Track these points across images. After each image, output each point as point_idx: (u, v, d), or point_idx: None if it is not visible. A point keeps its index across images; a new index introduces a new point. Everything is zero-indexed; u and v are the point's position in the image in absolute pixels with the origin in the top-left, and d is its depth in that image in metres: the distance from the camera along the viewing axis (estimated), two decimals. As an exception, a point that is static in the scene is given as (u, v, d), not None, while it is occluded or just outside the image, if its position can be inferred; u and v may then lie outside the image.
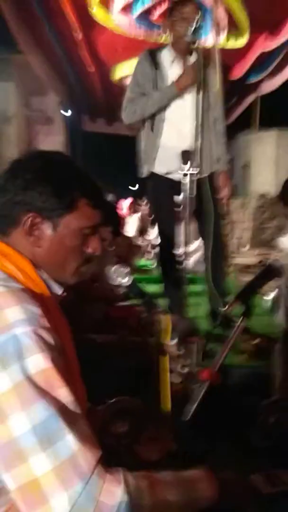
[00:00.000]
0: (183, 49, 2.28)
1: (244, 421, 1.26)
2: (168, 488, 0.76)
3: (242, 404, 1.33)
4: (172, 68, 2.33)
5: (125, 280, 1.45)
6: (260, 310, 2.81)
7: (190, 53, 2.31)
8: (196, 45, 2.19)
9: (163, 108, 2.28)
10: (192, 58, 2.30)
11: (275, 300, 1.52)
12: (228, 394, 1.37)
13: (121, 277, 1.47)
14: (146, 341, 1.67)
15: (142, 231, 5.53)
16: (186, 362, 1.25)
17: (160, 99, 2.26)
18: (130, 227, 5.78)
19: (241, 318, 1.16)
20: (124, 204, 6.40)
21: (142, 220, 5.54)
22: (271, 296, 2.25)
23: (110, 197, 7.90)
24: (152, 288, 3.32)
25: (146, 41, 5.15)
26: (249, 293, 1.17)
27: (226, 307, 1.16)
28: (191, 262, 4.32)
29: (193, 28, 2.06)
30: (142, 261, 5.01)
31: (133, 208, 6.23)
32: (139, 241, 5.17)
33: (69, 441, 0.65)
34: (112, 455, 0.73)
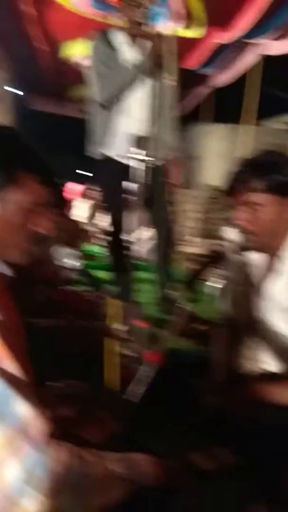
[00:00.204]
0: (136, 33, 2.26)
1: (186, 402, 1.30)
2: (113, 462, 0.81)
3: (186, 386, 1.37)
4: (126, 52, 2.30)
5: (73, 263, 1.42)
6: (208, 297, 2.91)
7: (144, 38, 2.29)
8: (150, 30, 2.17)
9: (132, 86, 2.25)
10: (146, 43, 2.28)
11: (223, 289, 1.57)
12: (173, 377, 1.41)
13: (68, 260, 1.45)
14: (93, 325, 1.66)
15: (92, 216, 5.47)
16: (134, 346, 1.25)
17: (132, 76, 2.22)
18: (80, 212, 5.68)
19: (186, 303, 1.19)
20: (72, 188, 6.26)
21: (93, 205, 5.47)
22: (218, 284, 2.33)
23: (57, 180, 7.68)
24: (100, 274, 3.32)
25: (98, 21, 5.01)
26: (194, 279, 1.20)
27: (173, 293, 1.18)
28: (143, 249, 4.37)
29: (146, 13, 2.04)
30: (90, 247, 4.97)
31: (86, 194, 6.12)
32: (88, 227, 5.11)
33: (19, 411, 0.66)
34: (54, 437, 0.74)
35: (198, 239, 6.02)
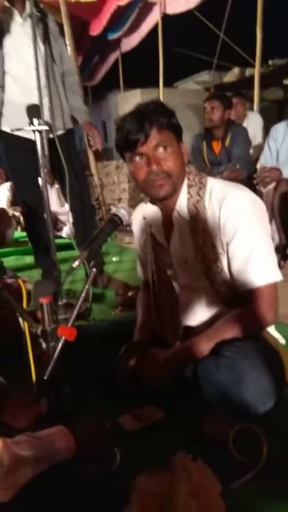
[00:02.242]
0: None
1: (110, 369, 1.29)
2: (21, 445, 0.81)
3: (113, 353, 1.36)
4: (4, 17, 2.11)
5: None
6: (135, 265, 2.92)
7: (24, 2, 2.12)
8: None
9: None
10: (28, 9, 2.11)
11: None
12: (101, 346, 1.40)
13: None
14: (11, 312, 1.59)
15: (14, 201, 5.19)
16: (45, 324, 1.21)
17: None
18: (0, 198, 5.39)
19: (92, 270, 1.15)
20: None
21: (13, 189, 5.17)
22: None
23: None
24: (29, 260, 3.21)
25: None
26: (96, 244, 1.16)
27: (75, 261, 1.14)
28: (67, 227, 4.26)
29: None
30: (18, 233, 4.77)
31: (2, 177, 5.78)
32: (12, 212, 4.87)
33: None
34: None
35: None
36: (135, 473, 0.89)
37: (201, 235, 1.17)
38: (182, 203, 1.21)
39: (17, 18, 2.12)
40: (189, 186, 1.21)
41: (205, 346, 1.14)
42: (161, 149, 1.14)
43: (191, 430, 1.06)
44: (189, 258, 1.22)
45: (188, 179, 1.21)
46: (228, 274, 1.17)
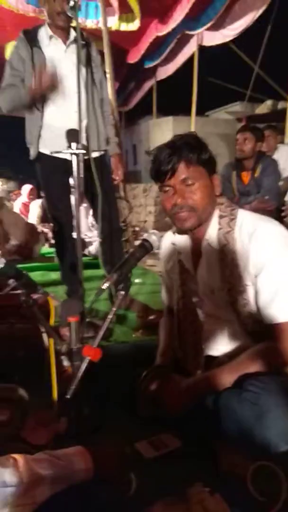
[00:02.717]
0: (60, 26, 2.21)
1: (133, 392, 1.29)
2: (40, 464, 0.82)
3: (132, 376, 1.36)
4: (50, 46, 2.24)
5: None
6: (158, 288, 2.94)
7: (69, 31, 2.25)
8: (75, 23, 2.12)
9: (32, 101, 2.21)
10: (72, 36, 2.24)
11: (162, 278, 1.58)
12: (120, 368, 1.40)
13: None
14: (36, 327, 1.62)
15: (44, 217, 5.34)
16: (71, 343, 1.23)
17: (23, 97, 2.19)
18: (31, 214, 5.55)
19: (120, 293, 1.17)
20: (24, 190, 6.10)
21: (43, 206, 5.34)
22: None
23: (11, 185, 7.47)
24: (55, 276, 3.27)
25: (37, 19, 4.92)
26: (126, 268, 1.18)
27: (105, 283, 1.16)
28: (93, 246, 4.34)
29: (70, 5, 1.99)
30: (45, 249, 4.89)
31: (34, 194, 5.97)
32: (41, 228, 5.00)
33: None
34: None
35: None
36: (151, 501, 0.88)
37: (229, 265, 1.18)
38: (212, 232, 1.23)
39: (61, 46, 2.25)
40: (220, 217, 1.23)
41: (227, 378, 1.13)
42: (188, 183, 1.17)
43: (208, 461, 1.05)
44: (215, 287, 1.23)
45: (220, 209, 1.24)
46: (254, 307, 1.17)
